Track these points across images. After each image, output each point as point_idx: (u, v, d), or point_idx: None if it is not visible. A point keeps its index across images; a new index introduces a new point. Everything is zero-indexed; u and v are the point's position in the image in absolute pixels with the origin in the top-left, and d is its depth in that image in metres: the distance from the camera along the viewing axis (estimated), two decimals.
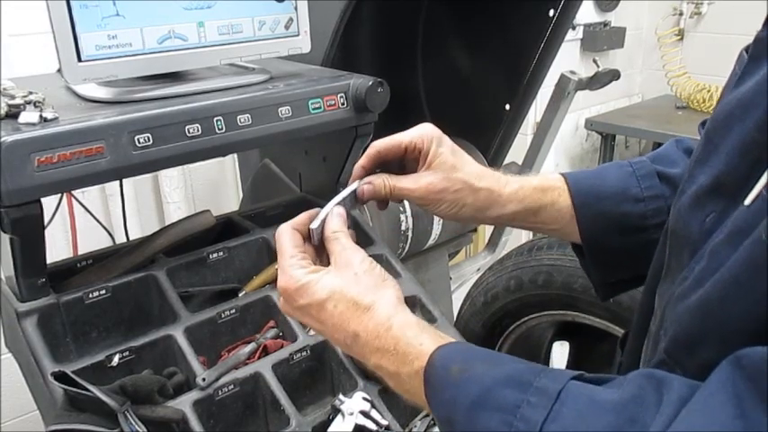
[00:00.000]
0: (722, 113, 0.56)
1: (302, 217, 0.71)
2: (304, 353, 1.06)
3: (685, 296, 0.52)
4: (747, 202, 0.47)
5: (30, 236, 0.92)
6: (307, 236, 0.70)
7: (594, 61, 1.85)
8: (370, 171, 0.78)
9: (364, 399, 0.99)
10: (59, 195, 1.17)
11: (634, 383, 0.48)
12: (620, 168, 0.79)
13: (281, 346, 1.07)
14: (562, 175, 0.80)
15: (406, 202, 1.51)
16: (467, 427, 0.53)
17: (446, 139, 0.77)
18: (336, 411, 0.98)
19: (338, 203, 0.72)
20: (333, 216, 0.70)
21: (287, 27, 1.10)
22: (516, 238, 2.03)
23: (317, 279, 0.64)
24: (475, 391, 0.53)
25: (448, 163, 0.75)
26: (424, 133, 0.76)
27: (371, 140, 1.23)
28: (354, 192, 0.76)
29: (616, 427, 0.45)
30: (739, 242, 0.46)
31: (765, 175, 0.46)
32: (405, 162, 0.79)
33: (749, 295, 0.44)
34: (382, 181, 0.76)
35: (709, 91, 3.12)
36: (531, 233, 3.07)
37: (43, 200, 0.90)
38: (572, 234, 0.79)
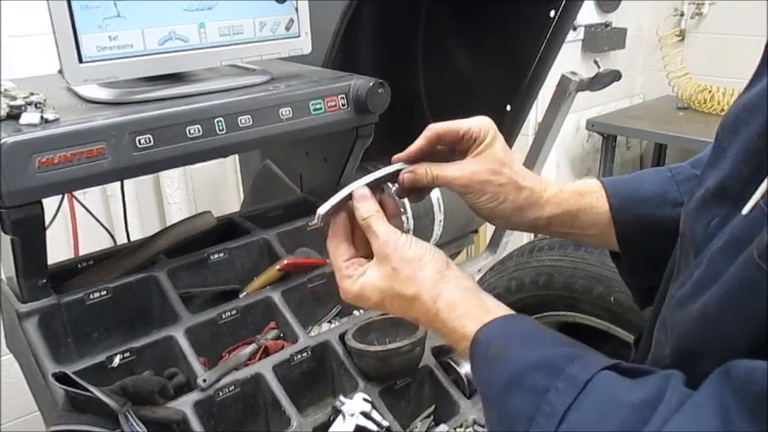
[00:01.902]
0: (731, 116, 0.56)
1: (338, 225, 0.73)
2: (305, 354, 1.06)
3: (684, 302, 0.52)
4: (745, 211, 0.47)
5: (31, 237, 0.92)
6: (350, 235, 0.72)
7: (595, 62, 1.84)
8: (424, 153, 0.77)
9: (365, 400, 0.99)
10: (60, 196, 1.17)
11: (656, 384, 0.49)
12: (659, 173, 0.79)
13: (282, 347, 1.07)
14: (599, 180, 0.80)
15: (407, 204, 1.51)
16: (499, 405, 0.55)
17: (500, 135, 0.77)
18: (337, 412, 0.98)
19: (369, 183, 0.72)
20: (359, 201, 0.70)
21: (288, 28, 1.11)
22: (517, 239, 2.04)
23: (365, 284, 0.68)
24: (509, 371, 0.55)
25: (497, 156, 0.75)
26: (482, 124, 0.76)
27: (372, 141, 1.23)
28: (395, 173, 0.76)
29: (628, 426, 0.46)
30: (736, 251, 0.46)
31: (763, 184, 0.46)
32: (455, 153, 0.79)
33: (743, 311, 0.45)
34: (424, 170, 0.76)
35: (710, 92, 3.12)
36: (532, 234, 3.07)
37: (44, 201, 0.90)
38: (610, 239, 0.79)
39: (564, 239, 1.58)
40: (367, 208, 0.69)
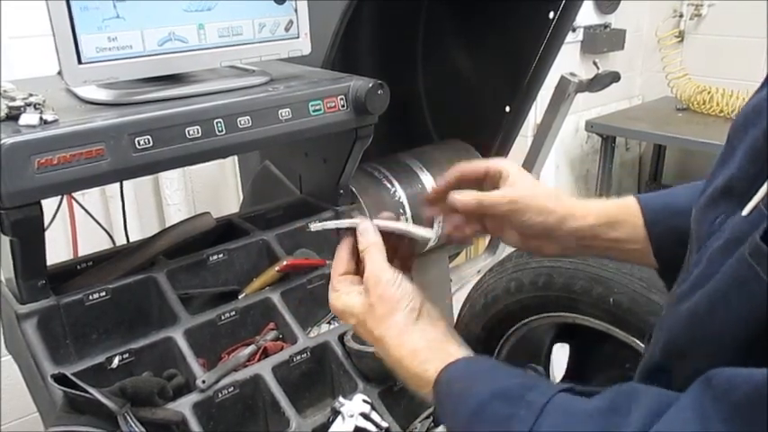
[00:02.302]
0: (741, 116, 0.56)
1: (346, 242, 0.75)
2: (304, 355, 1.06)
3: (681, 300, 0.53)
4: (745, 212, 0.48)
5: (30, 238, 0.92)
6: (353, 252, 0.74)
7: (595, 63, 1.85)
8: (450, 189, 0.80)
9: (364, 401, 0.99)
10: (60, 197, 1.17)
11: (607, 396, 0.51)
12: (693, 186, 0.79)
13: (281, 348, 1.07)
14: (634, 196, 0.81)
15: (406, 205, 1.51)
16: None
17: (524, 170, 0.81)
18: (336, 413, 0.97)
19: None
20: (360, 234, 0.73)
21: (287, 29, 1.11)
22: None
23: (346, 304, 0.71)
24: (473, 404, 0.57)
25: (530, 181, 0.79)
26: (505, 161, 0.81)
27: (371, 142, 1.23)
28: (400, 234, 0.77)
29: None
30: (734, 251, 0.46)
31: (764, 187, 0.46)
32: (485, 187, 0.81)
33: (732, 310, 0.45)
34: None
35: (709, 93, 3.12)
36: None
37: (43, 202, 0.90)
38: (650, 255, 0.79)
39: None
40: (365, 241, 0.72)
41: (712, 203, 0.56)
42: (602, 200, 0.81)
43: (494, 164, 0.80)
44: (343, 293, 0.71)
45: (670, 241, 0.77)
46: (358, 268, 0.74)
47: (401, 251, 0.76)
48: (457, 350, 0.65)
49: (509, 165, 0.80)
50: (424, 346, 0.66)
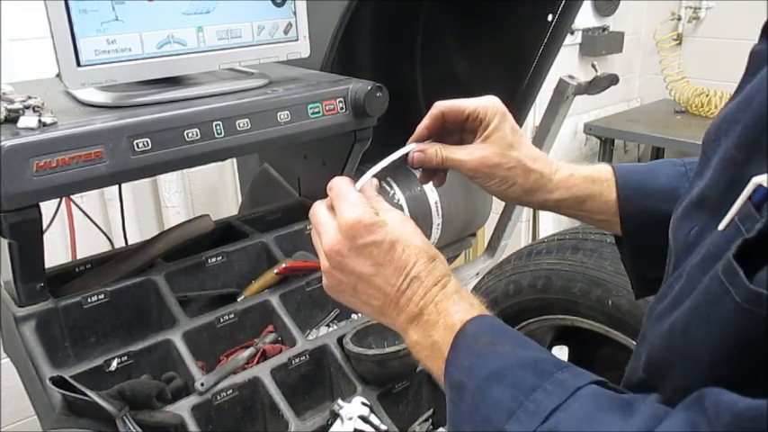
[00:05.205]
0: (714, 126, 0.55)
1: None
2: (303, 357, 1.06)
3: (662, 317, 0.52)
4: (721, 227, 0.46)
5: (28, 240, 0.92)
6: None
7: (593, 66, 1.85)
8: (432, 132, 0.78)
9: (363, 403, 0.99)
10: (58, 200, 1.17)
11: (652, 407, 0.48)
12: (673, 167, 0.78)
13: (280, 351, 1.07)
14: (613, 167, 0.80)
15: (405, 206, 1.51)
16: (477, 394, 0.53)
17: (509, 116, 0.77)
18: (335, 416, 0.97)
19: (387, 165, 0.73)
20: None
21: (286, 32, 1.11)
22: (515, 242, 2.04)
23: (386, 221, 0.63)
24: (496, 364, 0.54)
25: (506, 139, 0.75)
26: (488, 104, 0.76)
27: (370, 145, 1.23)
28: (406, 155, 0.77)
29: None
30: (711, 267, 0.45)
31: (738, 201, 0.44)
32: (464, 131, 0.79)
33: (706, 326, 0.44)
34: (435, 150, 0.76)
35: (707, 95, 3.12)
36: (530, 238, 3.07)
37: (42, 204, 0.90)
38: (617, 226, 0.79)
39: (562, 243, 1.59)
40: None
41: (687, 215, 0.56)
42: (578, 168, 0.79)
43: (475, 108, 0.76)
44: (383, 209, 0.65)
45: (640, 221, 0.76)
46: None
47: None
48: (479, 305, 0.62)
49: (491, 112, 0.75)
50: (467, 292, 0.63)
